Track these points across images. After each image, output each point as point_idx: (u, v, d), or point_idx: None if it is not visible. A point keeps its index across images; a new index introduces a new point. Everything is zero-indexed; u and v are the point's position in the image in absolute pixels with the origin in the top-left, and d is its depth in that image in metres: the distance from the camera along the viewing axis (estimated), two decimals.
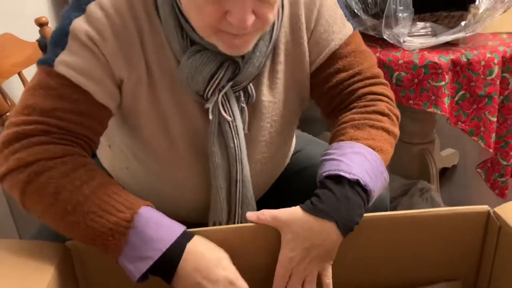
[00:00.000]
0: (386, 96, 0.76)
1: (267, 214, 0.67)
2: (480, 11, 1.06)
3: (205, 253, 0.63)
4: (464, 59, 1.11)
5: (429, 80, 1.12)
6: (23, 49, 1.13)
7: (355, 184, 0.65)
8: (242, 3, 0.58)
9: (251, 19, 0.59)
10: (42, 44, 1.16)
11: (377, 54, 1.16)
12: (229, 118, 0.71)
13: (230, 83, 0.70)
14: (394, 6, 1.10)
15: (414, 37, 1.12)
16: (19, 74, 1.11)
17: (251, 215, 0.68)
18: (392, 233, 0.71)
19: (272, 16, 0.63)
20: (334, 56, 0.74)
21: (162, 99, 0.70)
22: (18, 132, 0.63)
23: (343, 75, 0.75)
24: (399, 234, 0.71)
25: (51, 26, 1.22)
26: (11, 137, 0.63)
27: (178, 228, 0.63)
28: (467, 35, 1.09)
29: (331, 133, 0.77)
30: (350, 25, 0.76)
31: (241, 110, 0.73)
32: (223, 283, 0.61)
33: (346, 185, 0.65)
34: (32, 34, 1.18)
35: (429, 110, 1.14)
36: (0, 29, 1.12)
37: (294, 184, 0.91)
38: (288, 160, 0.92)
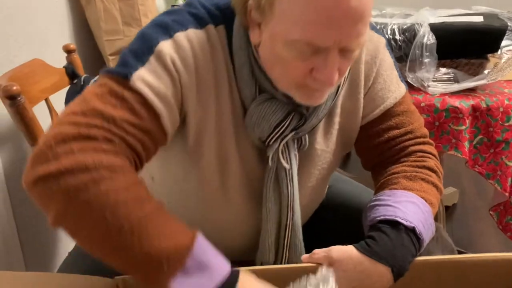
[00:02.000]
0: (434, 155, 0.79)
1: (319, 252, 0.67)
2: (502, 60, 1.10)
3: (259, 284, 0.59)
4: (483, 105, 1.16)
5: (450, 124, 1.16)
6: (51, 75, 1.12)
7: (411, 231, 0.66)
8: (332, 62, 0.60)
9: (336, 76, 0.61)
10: (69, 70, 1.16)
11: None
12: (287, 166, 0.72)
13: (293, 133, 0.71)
14: (418, 51, 1.14)
15: (438, 82, 1.16)
16: (46, 100, 1.10)
17: (305, 257, 0.69)
18: (429, 278, 0.70)
19: (348, 69, 0.65)
20: (388, 113, 0.77)
21: (226, 142, 0.70)
22: (79, 132, 0.55)
23: (395, 132, 0.77)
24: (435, 279, 0.70)
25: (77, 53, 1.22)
26: (68, 135, 0.55)
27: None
28: (488, 82, 1.13)
29: (377, 181, 0.78)
30: (403, 85, 0.79)
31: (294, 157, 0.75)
32: None
33: (402, 231, 0.66)
34: (59, 61, 1.18)
35: (449, 153, 1.17)
36: (29, 55, 1.12)
37: (326, 219, 0.92)
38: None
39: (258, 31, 0.63)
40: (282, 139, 0.71)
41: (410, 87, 1.20)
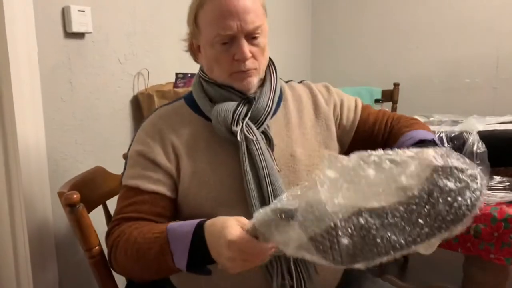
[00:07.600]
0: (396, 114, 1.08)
1: None
2: None
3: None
4: None
5: (511, 235, 1.09)
6: (110, 181, 1.20)
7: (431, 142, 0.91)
8: (242, 45, 0.89)
9: (248, 53, 0.89)
10: None
11: None
12: (253, 137, 0.90)
13: (249, 114, 0.92)
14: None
15: (492, 191, 1.12)
16: (104, 204, 1.17)
17: None
18: None
19: (263, 60, 0.94)
20: (363, 117, 1.04)
21: (200, 157, 0.92)
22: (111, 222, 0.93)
23: (376, 120, 1.05)
24: None
25: None
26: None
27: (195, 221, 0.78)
28: None
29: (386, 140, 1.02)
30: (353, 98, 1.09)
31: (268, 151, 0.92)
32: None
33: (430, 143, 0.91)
34: (120, 168, 1.26)
35: None
36: (94, 162, 1.21)
37: None
38: None
39: (200, 54, 0.95)
40: (243, 120, 0.90)
41: None
